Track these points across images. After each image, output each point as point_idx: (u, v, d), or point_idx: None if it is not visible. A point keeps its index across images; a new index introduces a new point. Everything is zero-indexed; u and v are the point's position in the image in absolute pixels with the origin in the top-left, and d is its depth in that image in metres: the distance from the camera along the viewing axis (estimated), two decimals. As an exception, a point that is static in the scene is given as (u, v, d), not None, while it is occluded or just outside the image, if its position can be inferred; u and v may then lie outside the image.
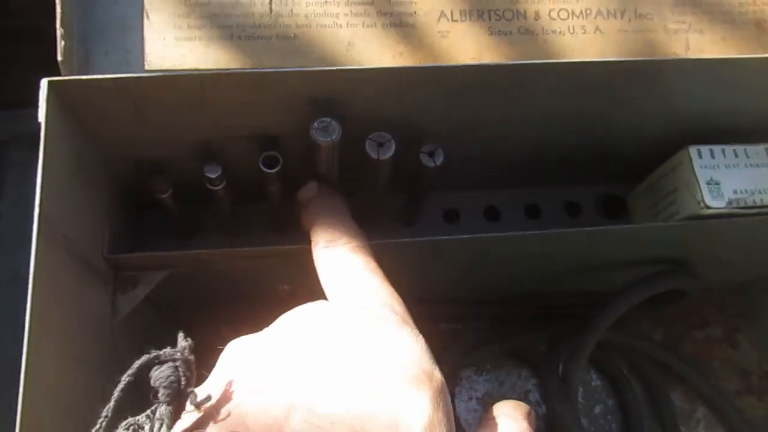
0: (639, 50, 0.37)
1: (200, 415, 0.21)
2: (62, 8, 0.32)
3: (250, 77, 0.31)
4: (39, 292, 0.26)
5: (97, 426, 0.21)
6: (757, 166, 0.39)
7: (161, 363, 0.22)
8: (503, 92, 0.35)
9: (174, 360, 0.22)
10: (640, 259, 0.45)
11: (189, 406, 0.21)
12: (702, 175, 0.38)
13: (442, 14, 0.36)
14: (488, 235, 0.37)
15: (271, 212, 0.41)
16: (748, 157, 0.39)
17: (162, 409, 0.21)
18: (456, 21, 0.36)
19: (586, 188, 0.47)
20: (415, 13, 0.36)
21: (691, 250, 0.44)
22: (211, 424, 0.21)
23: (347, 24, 0.35)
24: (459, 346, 0.49)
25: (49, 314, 0.27)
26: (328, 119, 0.32)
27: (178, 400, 0.21)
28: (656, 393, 0.53)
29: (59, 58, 0.31)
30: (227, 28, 0.34)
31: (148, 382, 0.22)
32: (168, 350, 0.22)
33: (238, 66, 0.34)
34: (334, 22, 0.35)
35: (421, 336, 0.24)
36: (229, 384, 0.22)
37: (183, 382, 0.21)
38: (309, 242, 0.35)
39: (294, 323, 0.25)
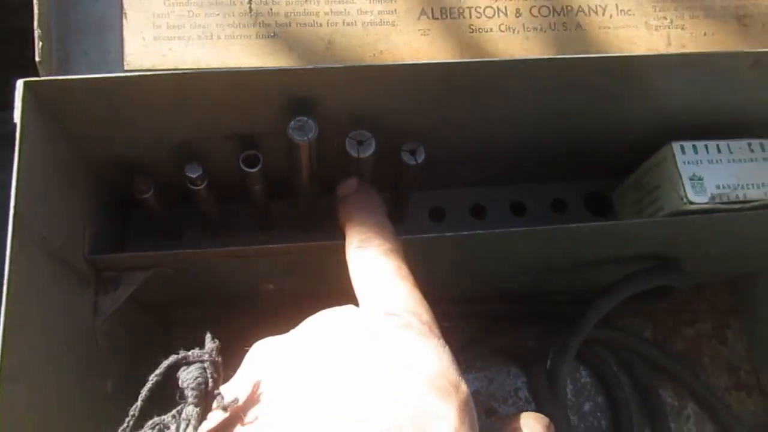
0: (620, 46, 0.37)
1: (226, 416, 0.21)
2: (40, 9, 0.32)
3: (228, 77, 0.31)
4: (13, 293, 0.26)
5: (125, 425, 0.21)
6: (741, 161, 0.39)
7: (189, 364, 0.22)
8: (484, 90, 0.35)
9: (202, 361, 0.22)
10: (628, 256, 0.45)
11: (215, 407, 0.21)
12: (685, 170, 0.38)
13: (423, 12, 0.36)
14: (474, 232, 0.37)
15: (255, 212, 0.41)
16: (731, 152, 0.39)
17: (189, 410, 0.21)
18: (437, 19, 0.36)
19: (572, 185, 0.47)
20: (396, 11, 0.36)
21: (678, 245, 0.44)
22: (238, 426, 0.21)
23: (327, 23, 0.35)
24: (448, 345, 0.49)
25: (25, 315, 0.27)
26: (305, 118, 0.31)
27: (205, 401, 0.21)
28: (646, 390, 0.53)
29: (37, 58, 0.31)
30: (207, 27, 0.34)
31: (174, 382, 0.22)
32: (196, 351, 0.22)
33: (217, 65, 0.34)
34: (314, 20, 0.35)
35: (447, 346, 0.24)
36: (256, 386, 0.22)
37: (210, 384, 0.21)
38: (308, 241, 0.35)
39: (320, 328, 0.24)
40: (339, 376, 0.22)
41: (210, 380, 0.21)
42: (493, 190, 0.46)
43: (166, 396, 0.22)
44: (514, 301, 0.51)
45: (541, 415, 0.27)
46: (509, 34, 0.36)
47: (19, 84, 0.28)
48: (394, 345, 0.23)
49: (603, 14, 0.37)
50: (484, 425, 0.24)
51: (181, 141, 0.34)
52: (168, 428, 0.21)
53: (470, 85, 0.34)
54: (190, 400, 0.21)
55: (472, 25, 0.36)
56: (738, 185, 0.39)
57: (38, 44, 0.31)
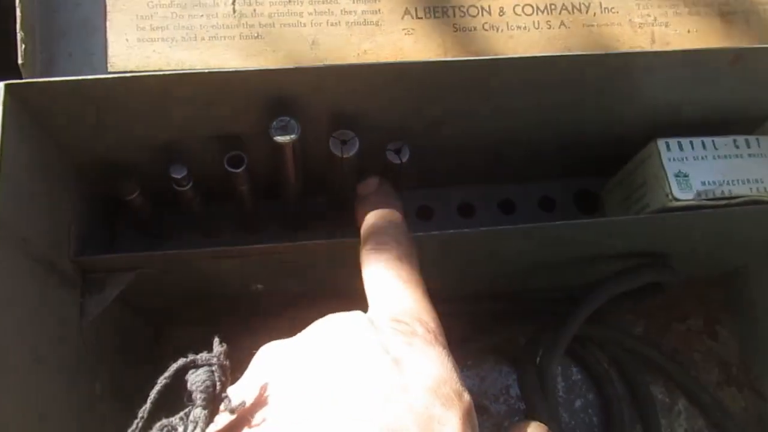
0: (604, 44, 0.37)
1: (233, 418, 0.21)
2: (22, 11, 0.32)
3: (210, 78, 0.31)
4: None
5: (134, 426, 0.21)
6: (726, 157, 0.39)
7: (197, 367, 0.22)
8: (469, 88, 0.35)
9: (210, 364, 0.22)
10: (617, 253, 0.45)
11: (222, 410, 0.21)
12: (670, 167, 0.38)
13: (407, 12, 0.36)
14: (463, 231, 0.37)
15: (242, 212, 0.41)
16: (716, 148, 0.39)
17: (197, 412, 0.21)
18: (420, 18, 0.36)
19: (560, 183, 0.47)
20: (380, 10, 0.36)
21: (666, 242, 0.44)
22: (245, 428, 0.21)
23: (311, 23, 0.35)
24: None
25: (8, 317, 0.27)
26: (287, 118, 0.32)
27: (212, 404, 0.21)
28: (637, 386, 0.53)
29: (20, 61, 0.32)
30: (190, 28, 0.34)
31: (182, 385, 0.22)
32: (204, 354, 0.22)
33: (201, 66, 0.34)
34: (297, 21, 0.35)
35: (451, 356, 0.24)
36: (263, 389, 0.22)
37: (218, 387, 0.22)
38: (296, 241, 0.35)
39: (327, 334, 0.25)
40: (345, 381, 0.22)
41: (218, 383, 0.22)
42: (481, 189, 0.46)
43: (168, 399, 0.22)
44: (504, 299, 0.51)
45: (543, 425, 0.27)
46: (493, 33, 0.36)
47: (0, 86, 0.28)
48: (400, 352, 0.23)
49: (587, 12, 0.37)
50: None
51: (166, 142, 0.35)
52: (176, 430, 0.21)
53: (454, 84, 0.34)
54: (198, 402, 0.21)
55: (456, 24, 0.36)
56: (723, 182, 0.39)
57: (21, 46, 0.31)
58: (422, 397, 0.22)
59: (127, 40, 0.34)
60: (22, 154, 0.29)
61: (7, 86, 0.28)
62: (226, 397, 0.22)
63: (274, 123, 0.32)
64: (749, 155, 0.39)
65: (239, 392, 0.22)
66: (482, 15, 0.36)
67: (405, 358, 0.23)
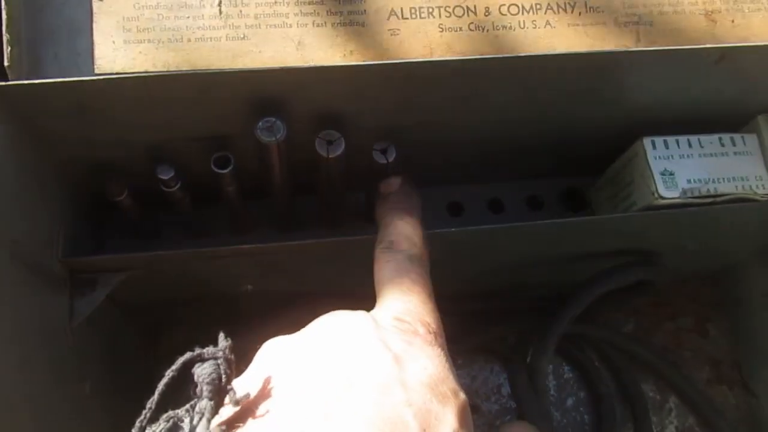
0: (590, 43, 0.37)
1: (237, 410, 0.22)
2: (8, 13, 0.32)
3: (195, 79, 0.31)
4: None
5: (141, 417, 0.22)
6: (712, 155, 0.40)
7: (203, 360, 0.23)
8: (455, 88, 0.35)
9: (216, 358, 0.23)
10: (606, 251, 0.45)
11: (227, 402, 0.22)
12: (656, 165, 0.39)
13: (392, 12, 0.36)
14: (452, 230, 0.38)
15: (231, 212, 0.41)
16: (702, 146, 0.40)
17: (203, 404, 0.22)
18: (406, 18, 0.36)
19: (548, 182, 0.47)
20: (365, 11, 0.36)
21: (655, 240, 0.44)
22: (249, 420, 0.22)
23: (297, 24, 0.35)
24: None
25: (-5, 318, 0.27)
26: (273, 119, 0.32)
27: (218, 396, 0.22)
28: (627, 384, 0.53)
29: (6, 63, 0.32)
30: (177, 30, 0.34)
31: (188, 378, 0.23)
32: (210, 349, 0.23)
33: (188, 68, 0.34)
34: (283, 21, 0.35)
35: (449, 357, 0.26)
36: (267, 382, 0.23)
37: (224, 379, 0.22)
38: (284, 241, 0.36)
39: (331, 330, 0.25)
40: (347, 375, 0.23)
41: (223, 376, 0.22)
42: (469, 188, 0.46)
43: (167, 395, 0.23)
44: (494, 297, 0.51)
45: (530, 426, 0.28)
46: (479, 33, 0.37)
47: (-14, 89, 0.28)
48: (401, 349, 0.24)
49: (572, 11, 0.37)
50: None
51: (153, 143, 0.35)
52: (182, 421, 0.21)
53: (441, 84, 0.35)
54: (204, 394, 0.22)
55: (441, 24, 0.36)
56: (709, 179, 0.39)
57: (7, 49, 0.32)
58: (421, 393, 0.23)
59: (113, 41, 0.34)
60: (9, 156, 0.30)
61: (-8, 88, 0.29)
62: (231, 389, 0.22)
63: (260, 123, 0.32)
64: (735, 153, 0.39)
65: (244, 385, 0.23)
66: (468, 15, 0.37)
67: (405, 356, 0.24)
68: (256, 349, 0.26)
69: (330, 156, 0.34)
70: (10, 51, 0.32)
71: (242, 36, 0.35)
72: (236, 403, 0.22)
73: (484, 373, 0.54)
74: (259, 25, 0.35)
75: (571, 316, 0.46)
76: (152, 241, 0.42)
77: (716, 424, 0.52)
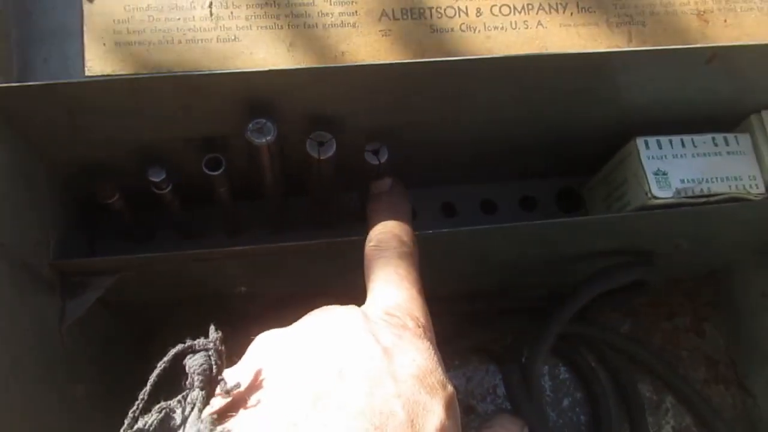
0: (582, 44, 0.37)
1: (229, 400, 0.22)
2: (-2, 17, 0.32)
3: (186, 81, 0.31)
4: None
5: (134, 407, 0.22)
6: (705, 155, 0.39)
7: (195, 352, 0.23)
8: (447, 89, 0.35)
9: (207, 349, 0.23)
10: (600, 251, 0.45)
11: (218, 392, 0.22)
12: (649, 165, 0.39)
13: (384, 13, 0.36)
14: (446, 230, 0.38)
15: (224, 214, 0.41)
16: (695, 146, 0.39)
17: (194, 394, 0.22)
18: (398, 20, 0.36)
19: (542, 182, 0.47)
20: (356, 12, 0.36)
21: (649, 240, 0.44)
22: (241, 410, 0.22)
23: (288, 25, 0.35)
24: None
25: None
26: (263, 120, 0.32)
27: (209, 386, 0.22)
28: (624, 384, 0.53)
29: (-4, 66, 0.32)
30: (167, 32, 0.34)
31: (178, 369, 0.23)
32: (201, 340, 0.23)
33: (179, 70, 0.34)
34: (274, 23, 0.35)
35: (438, 351, 0.26)
36: (258, 373, 0.23)
37: (215, 370, 0.23)
38: (277, 242, 0.36)
39: (322, 323, 0.26)
40: (337, 367, 0.23)
41: (214, 367, 0.23)
42: (463, 189, 0.46)
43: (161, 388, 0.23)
44: (488, 298, 0.51)
45: (516, 418, 0.28)
46: (470, 34, 0.37)
47: (-25, 92, 0.28)
48: (390, 342, 0.25)
49: (564, 12, 0.37)
50: (462, 422, 0.25)
51: (144, 145, 0.35)
52: (174, 412, 0.22)
53: (432, 84, 0.35)
54: (196, 384, 0.22)
55: (433, 25, 0.36)
56: (703, 179, 0.39)
57: (-3, 52, 0.32)
58: (410, 385, 0.23)
59: (103, 44, 0.34)
60: (-2, 159, 0.30)
61: (-19, 91, 0.29)
62: (222, 379, 0.22)
63: (250, 125, 0.32)
64: (728, 153, 0.39)
65: (236, 376, 0.23)
66: (459, 16, 0.37)
67: (395, 349, 0.24)
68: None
69: (321, 157, 0.33)
70: (0, 54, 0.32)
71: (233, 38, 0.35)
72: (227, 393, 0.22)
73: (480, 374, 0.54)
74: (250, 26, 0.35)
75: (567, 316, 0.46)
76: (145, 244, 0.42)
77: (713, 424, 0.52)
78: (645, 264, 0.45)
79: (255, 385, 0.23)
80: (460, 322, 0.51)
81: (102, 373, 0.41)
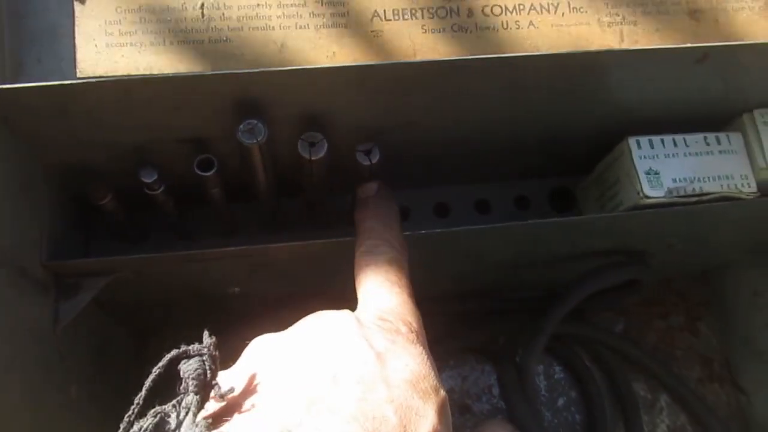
0: (573, 43, 0.37)
1: (223, 404, 0.23)
2: (-10, 18, 0.32)
3: (178, 81, 0.31)
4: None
5: (129, 412, 0.22)
6: (697, 154, 0.40)
7: (189, 357, 0.23)
8: (439, 89, 0.35)
9: (201, 355, 0.23)
10: (594, 250, 0.45)
11: (212, 396, 0.23)
12: (641, 165, 0.39)
13: (375, 14, 0.36)
14: (440, 230, 0.38)
15: (217, 215, 0.41)
16: (687, 145, 0.40)
17: (189, 398, 0.22)
18: (389, 20, 0.36)
19: (535, 182, 0.47)
20: (348, 13, 0.36)
21: (642, 239, 0.44)
22: (235, 414, 0.22)
23: (280, 26, 0.35)
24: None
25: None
26: (254, 121, 0.32)
27: (204, 391, 0.23)
28: (619, 383, 0.53)
29: (-12, 68, 0.32)
30: (159, 33, 0.34)
31: (174, 375, 0.23)
32: (196, 345, 0.23)
33: (170, 71, 0.34)
34: (266, 24, 0.35)
35: (431, 356, 0.27)
36: (252, 378, 0.24)
37: (209, 375, 0.23)
38: (271, 243, 0.36)
39: (316, 328, 0.26)
40: (331, 372, 0.23)
41: (209, 371, 0.23)
42: (456, 189, 0.46)
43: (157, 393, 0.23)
44: (482, 298, 0.51)
45: (507, 423, 0.28)
46: (462, 34, 0.37)
47: (-33, 93, 0.28)
48: (383, 347, 0.25)
49: (555, 12, 0.37)
50: (456, 423, 0.25)
51: (136, 146, 0.35)
52: (169, 416, 0.22)
53: (424, 85, 0.35)
54: (190, 388, 0.22)
55: (424, 25, 0.36)
56: (694, 179, 0.39)
57: (-11, 53, 0.32)
58: (402, 390, 0.23)
59: (95, 45, 0.34)
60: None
61: (-27, 93, 0.29)
62: (216, 384, 0.23)
63: (241, 126, 0.32)
64: (720, 152, 0.39)
65: (231, 380, 0.23)
66: (451, 16, 0.37)
67: (388, 354, 0.25)
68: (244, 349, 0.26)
69: (312, 158, 0.34)
70: (-8, 56, 0.32)
71: (225, 39, 0.35)
72: (221, 397, 0.22)
73: (475, 374, 0.54)
74: (242, 27, 0.35)
75: (561, 315, 0.46)
76: (139, 244, 0.42)
77: (708, 422, 0.52)
78: (638, 263, 0.45)
79: (249, 390, 0.23)
80: (454, 322, 0.52)
81: (97, 374, 0.41)
